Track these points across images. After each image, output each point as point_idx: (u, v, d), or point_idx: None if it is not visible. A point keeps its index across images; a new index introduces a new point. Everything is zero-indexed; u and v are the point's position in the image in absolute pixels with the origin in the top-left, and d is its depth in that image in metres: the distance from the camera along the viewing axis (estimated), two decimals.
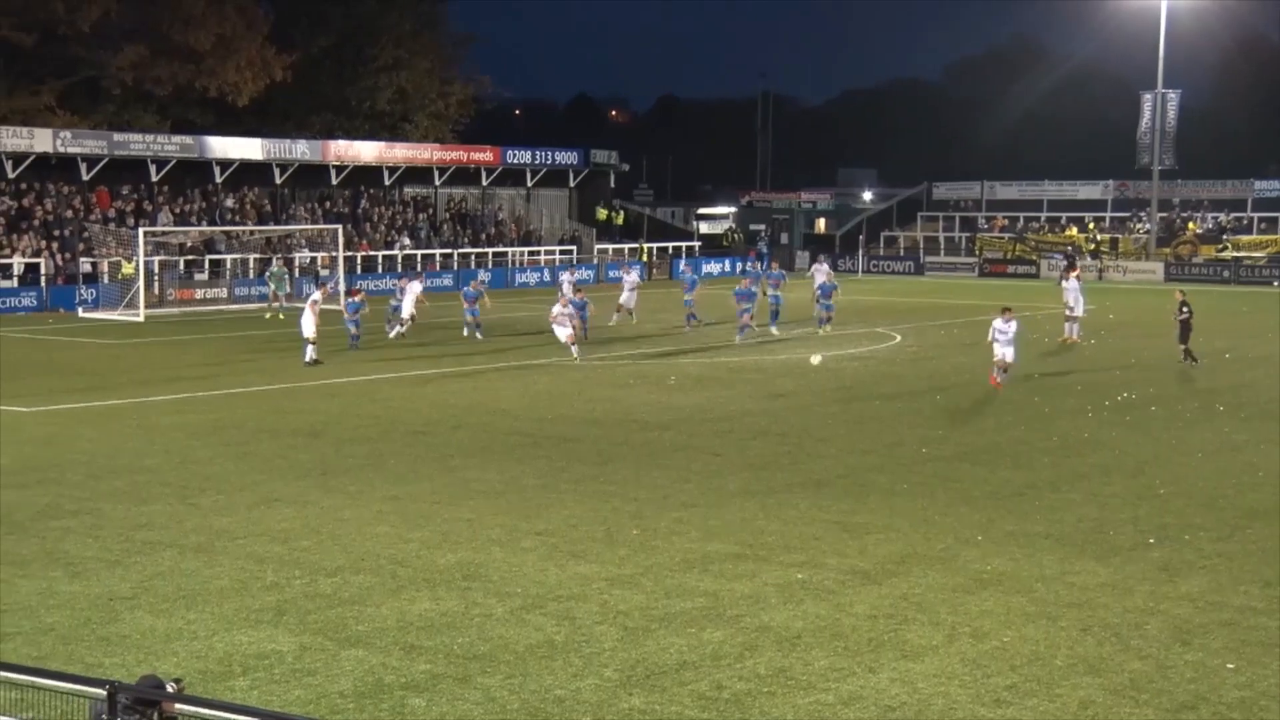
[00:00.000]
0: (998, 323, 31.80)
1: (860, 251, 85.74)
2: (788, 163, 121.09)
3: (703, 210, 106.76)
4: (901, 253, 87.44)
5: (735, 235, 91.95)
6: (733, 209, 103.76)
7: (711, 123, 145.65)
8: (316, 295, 37.52)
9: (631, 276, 50.24)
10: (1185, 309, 35.53)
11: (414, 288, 44.08)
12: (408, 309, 42.96)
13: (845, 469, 22.46)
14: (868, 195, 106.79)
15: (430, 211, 73.90)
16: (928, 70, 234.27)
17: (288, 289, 52.96)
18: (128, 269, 53.99)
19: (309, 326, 35.59)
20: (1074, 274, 45.10)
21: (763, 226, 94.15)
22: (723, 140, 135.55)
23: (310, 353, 35.62)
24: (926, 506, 19.70)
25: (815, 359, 28.38)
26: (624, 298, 48.29)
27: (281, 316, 48.27)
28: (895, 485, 21.12)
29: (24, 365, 36.22)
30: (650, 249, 79.48)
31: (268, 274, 55.21)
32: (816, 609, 14.68)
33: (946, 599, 15.13)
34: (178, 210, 62.62)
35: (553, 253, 74.16)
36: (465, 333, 42.72)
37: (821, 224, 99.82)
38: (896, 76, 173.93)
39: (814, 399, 30.25)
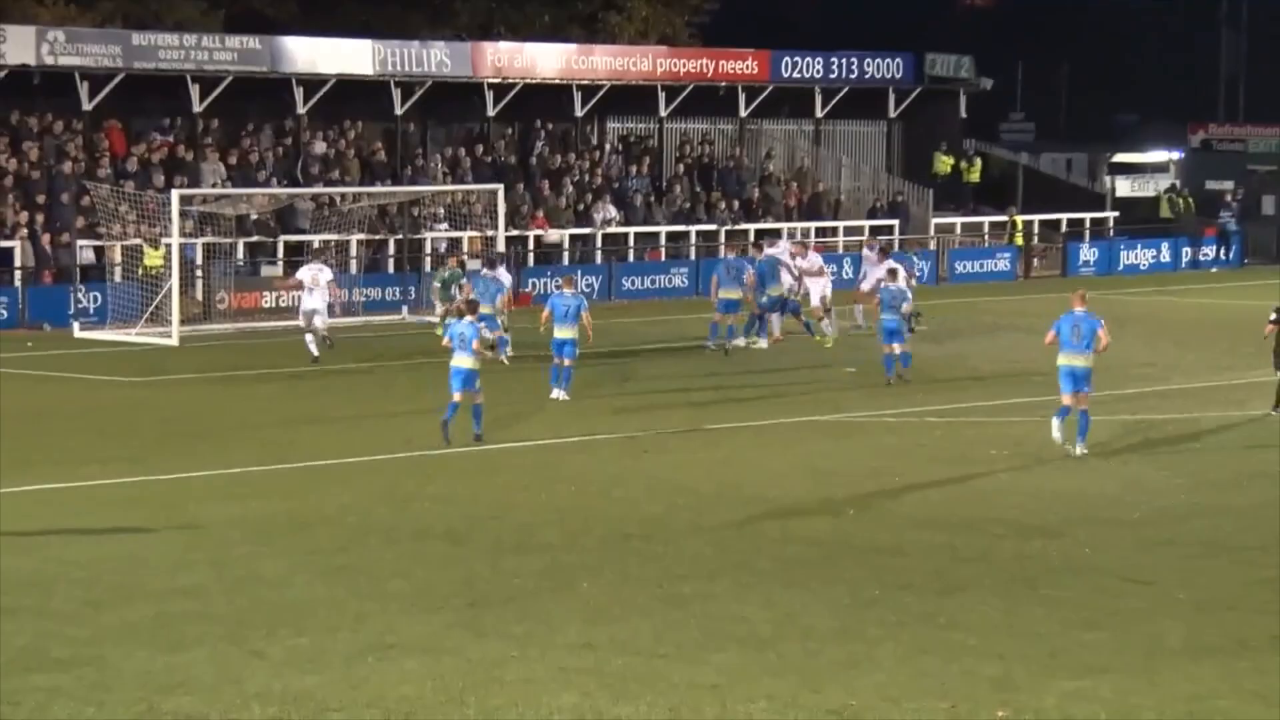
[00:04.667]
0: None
1: None
2: (1271, 77, 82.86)
3: (1121, 157, 76.19)
4: None
5: (1182, 200, 69.40)
6: (1176, 155, 74.95)
7: (1134, 9, 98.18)
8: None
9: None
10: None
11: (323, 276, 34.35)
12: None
13: None
14: None
15: (650, 162, 53.87)
16: None
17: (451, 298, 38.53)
18: (153, 258, 40.83)
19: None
20: None
21: (1229, 184, 70.37)
22: (1154, 39, 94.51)
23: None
24: None
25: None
26: None
27: (439, 333, 33.74)
28: None
29: None
30: (1025, 222, 56.92)
31: (440, 278, 42.58)
32: None
33: None
34: (235, 161, 47.30)
35: (858, 230, 53.00)
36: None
37: None
38: None
39: None
